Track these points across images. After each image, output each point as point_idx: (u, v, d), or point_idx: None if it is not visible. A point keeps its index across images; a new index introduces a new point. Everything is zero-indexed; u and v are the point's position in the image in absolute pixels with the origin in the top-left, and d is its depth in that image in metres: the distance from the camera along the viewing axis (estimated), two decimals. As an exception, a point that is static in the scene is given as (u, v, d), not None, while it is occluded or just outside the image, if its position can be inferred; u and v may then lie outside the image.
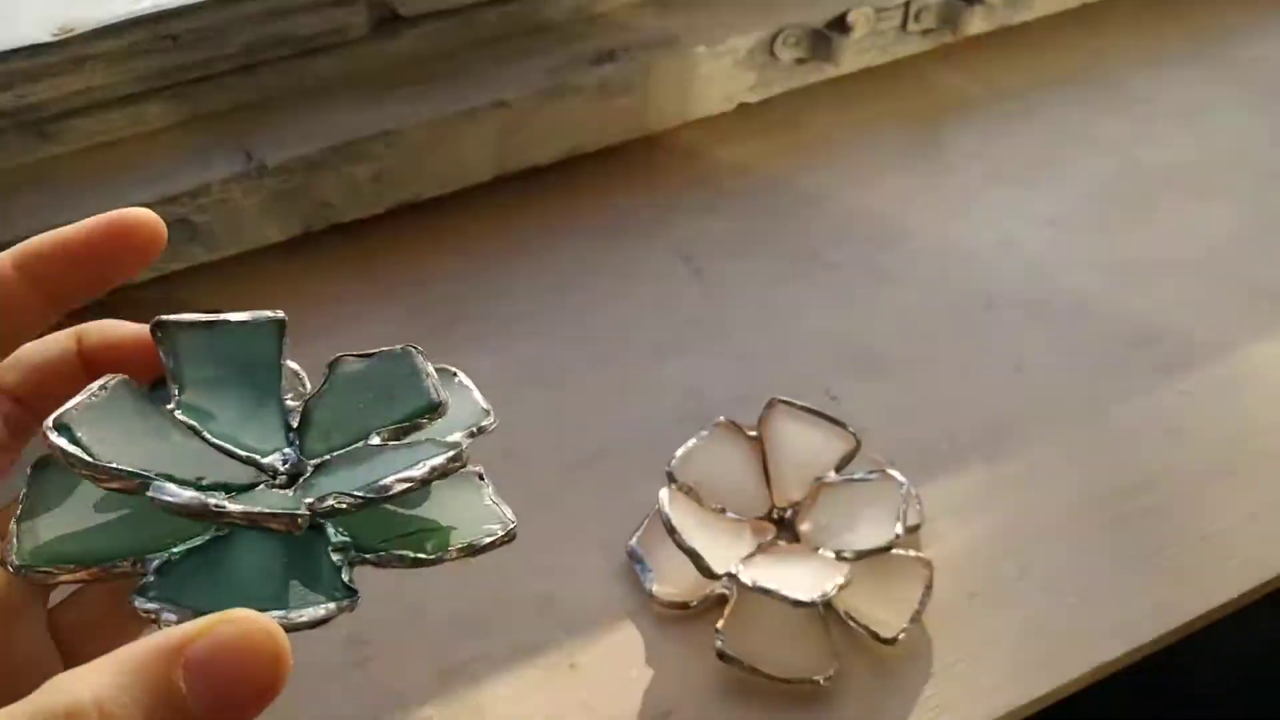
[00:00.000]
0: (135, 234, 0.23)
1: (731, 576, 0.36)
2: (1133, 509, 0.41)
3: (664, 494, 0.38)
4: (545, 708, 0.37)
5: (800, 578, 0.36)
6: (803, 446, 0.41)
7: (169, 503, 0.21)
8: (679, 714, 0.36)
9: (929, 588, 0.37)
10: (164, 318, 0.25)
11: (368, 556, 0.26)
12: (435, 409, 0.27)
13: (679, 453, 0.40)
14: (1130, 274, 0.50)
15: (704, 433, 0.41)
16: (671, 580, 0.40)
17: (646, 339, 0.50)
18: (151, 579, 0.23)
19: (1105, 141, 0.57)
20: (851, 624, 0.38)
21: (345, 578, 0.25)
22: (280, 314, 0.28)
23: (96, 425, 0.23)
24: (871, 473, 0.39)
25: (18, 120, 0.51)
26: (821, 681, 0.36)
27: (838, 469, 0.40)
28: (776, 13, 0.57)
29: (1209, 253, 0.51)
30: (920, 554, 0.38)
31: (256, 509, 0.22)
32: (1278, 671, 0.62)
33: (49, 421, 0.22)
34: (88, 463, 0.21)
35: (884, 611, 0.38)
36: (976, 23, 0.60)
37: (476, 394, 0.31)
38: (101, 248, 0.23)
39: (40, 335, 0.24)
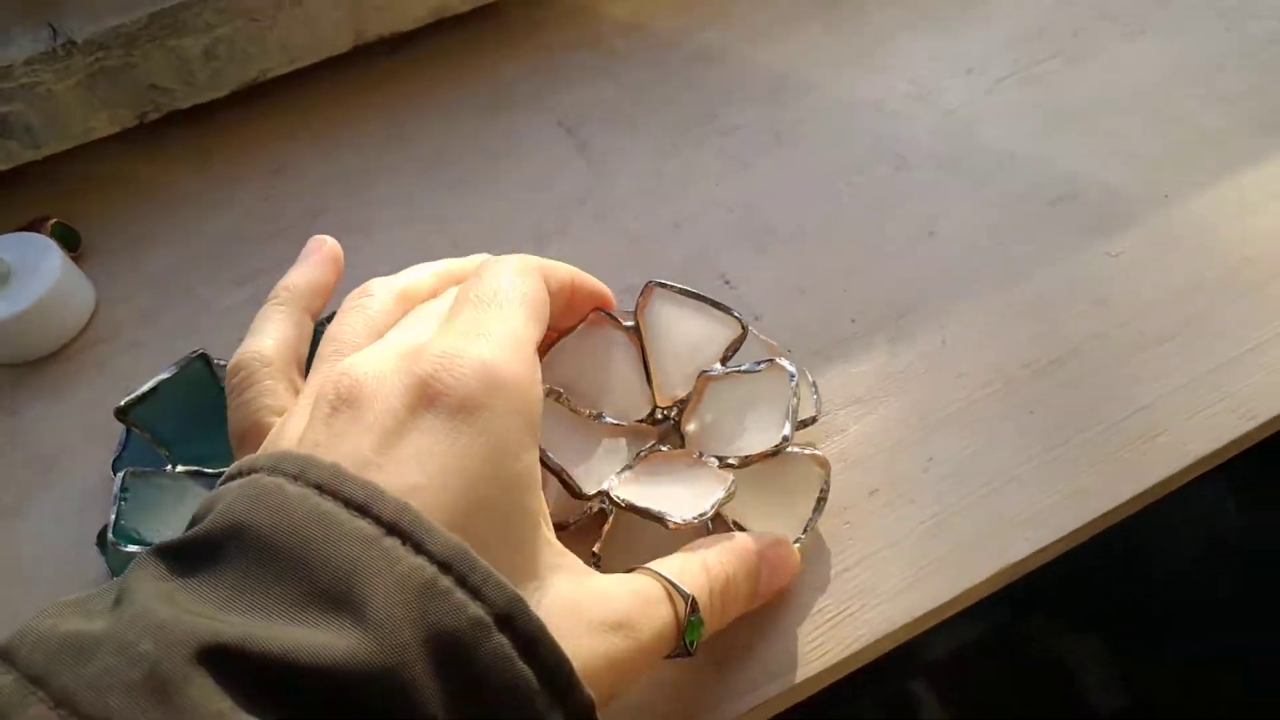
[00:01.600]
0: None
1: (605, 495, 0.32)
2: (1051, 386, 0.37)
3: None
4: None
5: (680, 492, 0.32)
6: (684, 336, 0.36)
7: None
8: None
9: (825, 491, 0.33)
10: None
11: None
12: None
13: (549, 354, 0.35)
14: (1056, 124, 0.45)
15: (577, 327, 0.36)
16: (547, 497, 0.36)
17: (525, 223, 0.45)
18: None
19: (1035, -26, 0.51)
20: None
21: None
22: None
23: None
24: (760, 363, 0.34)
25: None
26: None
27: (724, 360, 0.35)
28: None
29: (1139, 98, 0.46)
30: (817, 451, 0.34)
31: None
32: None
33: None
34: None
35: (776, 521, 0.34)
36: None
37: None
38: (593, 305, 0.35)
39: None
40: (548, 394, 0.34)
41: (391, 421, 0.23)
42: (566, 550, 0.26)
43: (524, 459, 0.24)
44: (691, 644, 0.27)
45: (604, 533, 0.34)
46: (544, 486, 0.33)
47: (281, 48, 0.49)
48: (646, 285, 0.36)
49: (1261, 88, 0.46)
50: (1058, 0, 0.50)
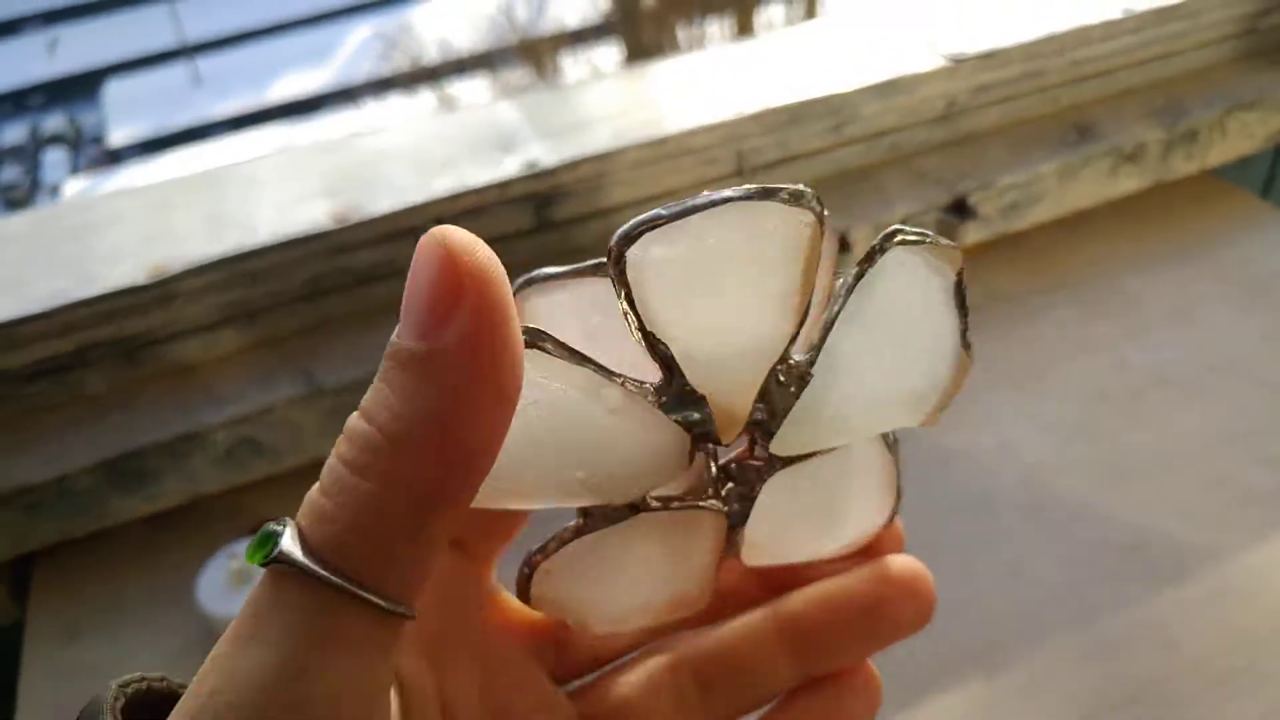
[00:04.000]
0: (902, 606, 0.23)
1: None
2: (1128, 722, 0.43)
3: None
4: None
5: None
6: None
7: None
8: None
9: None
10: None
11: None
12: None
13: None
14: (1122, 478, 0.54)
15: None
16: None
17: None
18: None
19: (1099, 344, 0.61)
20: None
21: None
22: None
23: None
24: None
25: (113, 349, 0.58)
26: None
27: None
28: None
29: (1198, 457, 0.54)
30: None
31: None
32: None
33: None
34: None
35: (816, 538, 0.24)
36: (972, 234, 0.65)
37: None
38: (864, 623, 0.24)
39: None
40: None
41: None
42: None
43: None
44: None
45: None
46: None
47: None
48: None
49: (1301, 456, 0.54)
50: (1119, 367, 0.60)
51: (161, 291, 0.57)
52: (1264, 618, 0.46)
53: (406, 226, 0.60)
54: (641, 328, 0.18)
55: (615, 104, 0.66)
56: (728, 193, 0.18)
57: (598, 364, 0.19)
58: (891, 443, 0.24)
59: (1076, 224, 0.69)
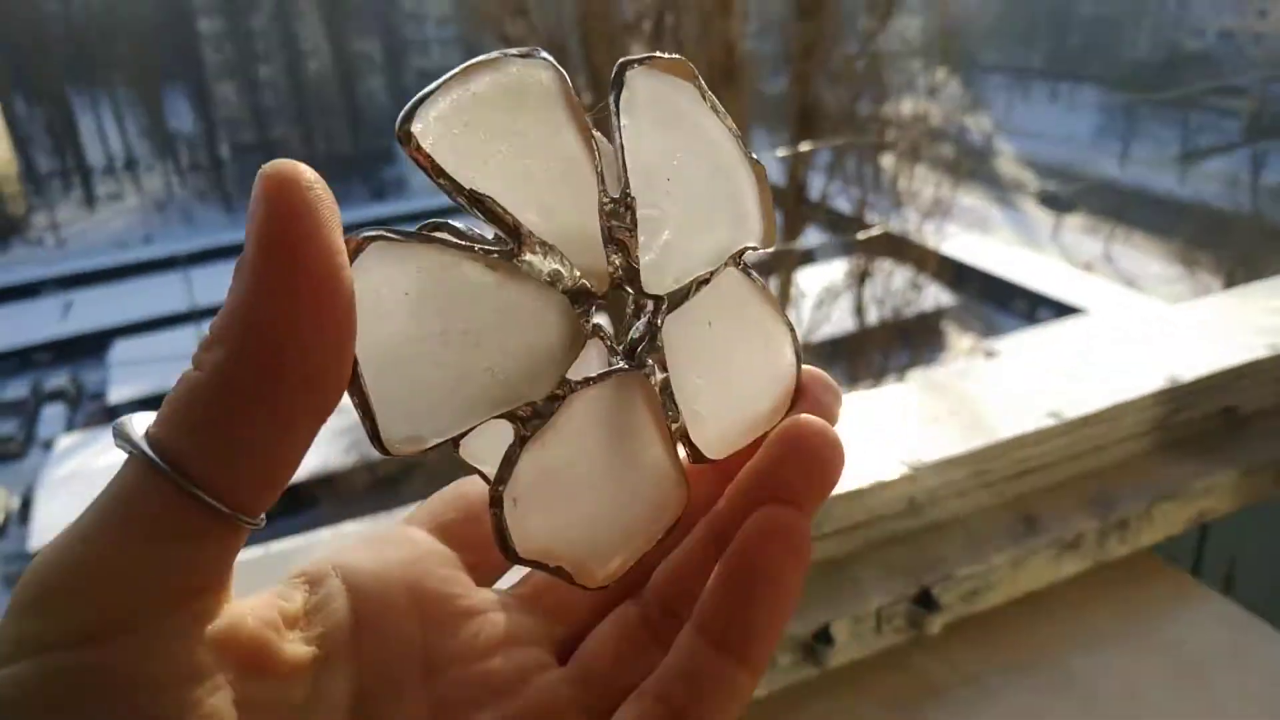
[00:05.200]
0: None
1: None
2: None
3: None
4: None
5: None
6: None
7: None
8: None
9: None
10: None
11: None
12: None
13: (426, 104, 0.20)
14: None
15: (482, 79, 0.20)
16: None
17: None
18: None
19: (1054, 731, 0.69)
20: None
21: None
22: None
23: None
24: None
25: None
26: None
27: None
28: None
29: None
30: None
31: None
32: None
33: None
34: None
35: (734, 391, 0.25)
36: (939, 621, 0.74)
37: None
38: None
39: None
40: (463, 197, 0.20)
41: None
42: None
43: None
44: None
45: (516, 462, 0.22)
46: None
47: None
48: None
49: None
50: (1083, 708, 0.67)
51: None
52: None
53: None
54: (459, 189, 0.19)
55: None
56: (467, 63, 0.20)
57: (444, 239, 0.19)
58: (761, 285, 0.25)
59: (1028, 604, 0.78)
